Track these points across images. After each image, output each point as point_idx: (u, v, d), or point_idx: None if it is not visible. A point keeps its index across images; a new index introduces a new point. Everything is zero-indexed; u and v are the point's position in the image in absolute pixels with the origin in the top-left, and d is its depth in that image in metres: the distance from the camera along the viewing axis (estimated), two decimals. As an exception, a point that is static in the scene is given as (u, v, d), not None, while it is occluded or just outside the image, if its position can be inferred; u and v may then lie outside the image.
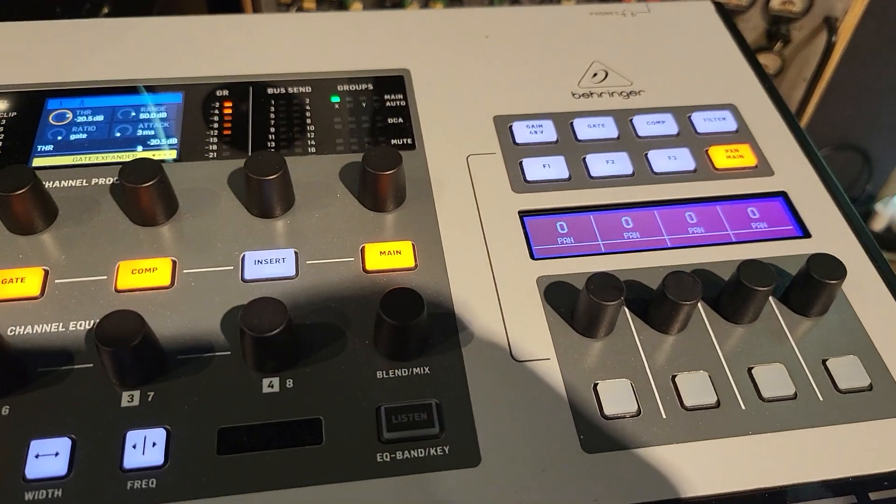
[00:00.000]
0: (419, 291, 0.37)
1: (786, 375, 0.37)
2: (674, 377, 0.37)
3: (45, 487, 0.32)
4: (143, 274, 0.38)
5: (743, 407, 0.36)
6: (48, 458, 0.32)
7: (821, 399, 0.37)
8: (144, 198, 0.39)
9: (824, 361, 0.38)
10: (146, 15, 0.88)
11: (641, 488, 0.34)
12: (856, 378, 0.38)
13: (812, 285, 0.38)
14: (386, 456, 0.34)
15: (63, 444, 0.33)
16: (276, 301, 0.35)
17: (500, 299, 0.39)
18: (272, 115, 0.47)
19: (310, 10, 1.04)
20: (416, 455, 0.34)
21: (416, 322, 0.35)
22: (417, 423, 0.34)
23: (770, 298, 0.40)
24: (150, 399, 0.35)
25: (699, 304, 0.40)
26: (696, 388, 0.37)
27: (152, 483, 0.32)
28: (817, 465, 0.35)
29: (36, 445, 0.33)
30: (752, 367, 0.38)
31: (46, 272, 0.39)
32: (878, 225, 1.91)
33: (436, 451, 0.34)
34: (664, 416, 0.36)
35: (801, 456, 0.35)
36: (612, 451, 0.35)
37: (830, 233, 0.44)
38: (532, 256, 0.41)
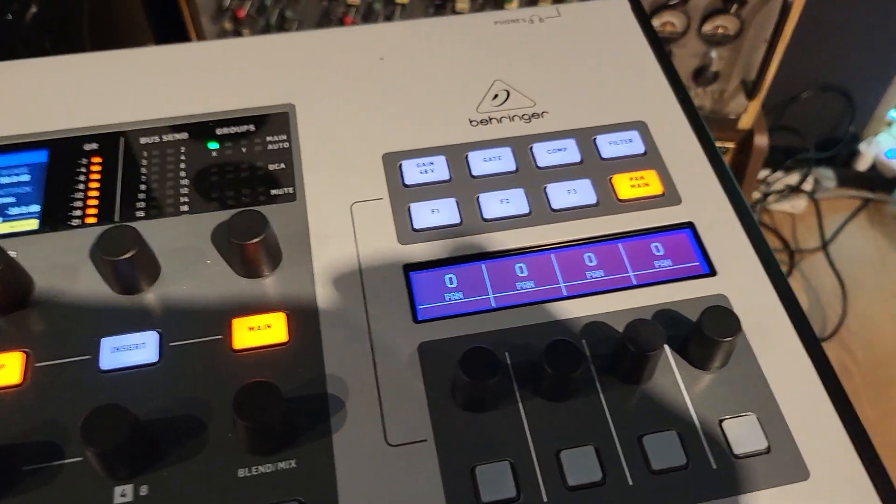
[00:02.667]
0: (289, 371, 0.34)
1: (677, 443, 0.35)
2: (558, 453, 0.35)
3: None
4: (-5, 371, 0.36)
5: (630, 482, 0.34)
6: None
7: (714, 467, 0.35)
8: (-11, 289, 0.37)
9: (720, 422, 0.36)
10: (76, 17, 0.84)
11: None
12: (753, 440, 0.35)
13: (705, 341, 0.36)
14: (244, 569, 0.32)
15: None
16: (115, 407, 0.32)
17: (377, 373, 0.37)
18: (143, 170, 0.44)
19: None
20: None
21: (271, 422, 0.32)
22: (279, 531, 0.32)
23: (668, 351, 0.38)
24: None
25: (591, 366, 0.37)
26: (580, 464, 0.34)
27: None
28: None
29: None
30: (643, 436, 0.35)
31: None
32: (863, 165, 1.88)
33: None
34: (545, 500, 0.34)
35: (690, 537, 0.33)
36: (487, 545, 0.33)
37: (739, 269, 0.41)
38: (416, 319, 0.39)
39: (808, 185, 1.89)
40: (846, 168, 1.91)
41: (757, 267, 0.41)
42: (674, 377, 0.37)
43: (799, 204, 1.92)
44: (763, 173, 1.88)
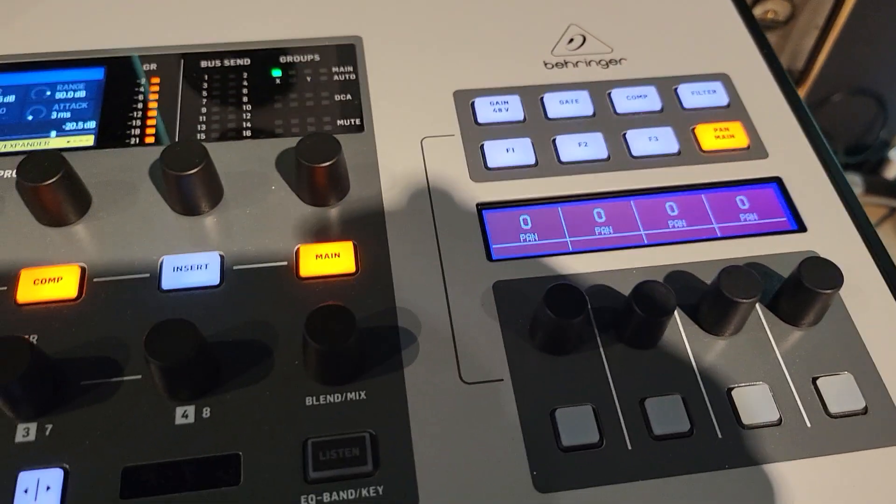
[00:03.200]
0: (358, 302, 0.32)
1: (769, 397, 0.33)
2: (642, 401, 0.33)
3: (-77, 540, 0.28)
4: (47, 284, 0.34)
5: (720, 435, 0.32)
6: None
7: (808, 425, 0.33)
8: (47, 197, 0.35)
9: (814, 380, 0.34)
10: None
11: (599, 532, 0.30)
12: (849, 400, 0.33)
13: (803, 294, 0.34)
14: (311, 499, 0.30)
15: (-55, 489, 0.29)
16: (184, 323, 0.30)
17: (450, 310, 0.35)
18: (204, 93, 0.42)
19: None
20: (345, 497, 0.30)
21: (345, 346, 0.30)
22: (348, 460, 0.30)
23: (757, 306, 0.36)
24: (47, 433, 0.31)
25: (679, 315, 0.35)
26: (666, 414, 0.32)
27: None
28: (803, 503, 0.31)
29: (-87, 491, 0.29)
30: (732, 388, 0.33)
31: (-62, 282, 0.34)
32: (892, 172, 1.85)
33: (368, 491, 0.30)
34: (630, 448, 0.32)
35: (785, 492, 0.31)
36: (568, 490, 0.31)
37: (829, 227, 0.39)
38: (490, 258, 0.37)
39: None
40: (874, 175, 1.88)
41: (848, 224, 0.39)
42: (765, 333, 0.35)
43: (824, 209, 1.88)
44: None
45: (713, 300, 0.34)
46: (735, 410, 0.33)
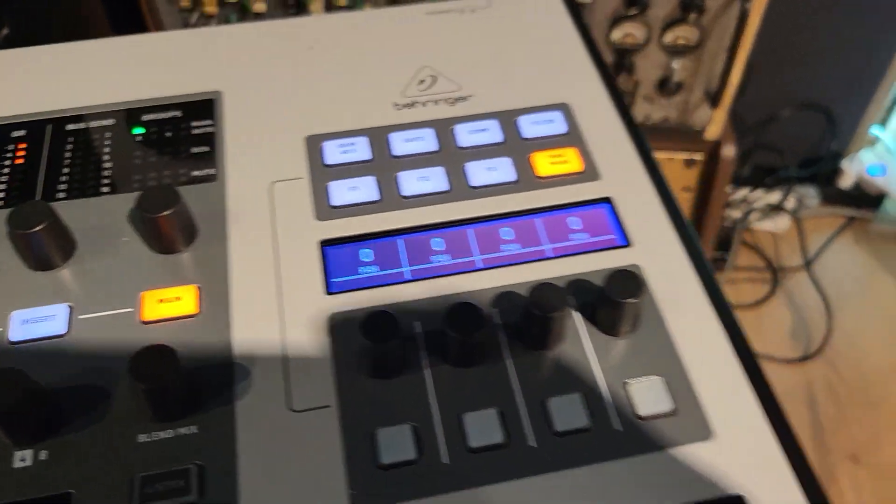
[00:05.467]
0: (196, 341, 0.35)
1: (579, 406, 0.35)
2: (460, 416, 0.35)
3: None
4: None
5: (533, 444, 0.34)
6: None
7: (619, 429, 0.34)
8: None
9: (625, 384, 0.36)
10: (48, 35, 0.85)
11: (410, 546, 0.31)
12: (657, 401, 0.35)
13: (610, 305, 0.36)
14: (137, 529, 0.32)
15: None
16: (12, 371, 0.32)
17: (285, 343, 0.37)
18: (68, 154, 0.44)
19: (211, 15, 1.01)
20: (166, 530, 0.32)
21: (167, 383, 0.32)
22: (174, 491, 0.32)
23: (580, 318, 0.38)
24: None
25: (500, 333, 0.37)
26: (482, 429, 0.34)
27: None
28: (606, 496, 0.33)
29: None
30: (547, 399, 0.35)
31: None
32: (846, 182, 1.88)
33: (188, 524, 0.32)
34: (447, 462, 0.34)
35: (595, 493, 0.33)
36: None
37: (655, 241, 0.41)
38: (328, 291, 0.39)
39: (790, 204, 1.89)
40: (829, 186, 1.92)
41: (673, 239, 0.41)
42: (583, 344, 0.37)
43: (782, 223, 1.92)
44: (743, 192, 1.88)
45: (527, 317, 0.36)
46: (549, 418, 0.35)
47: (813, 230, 1.92)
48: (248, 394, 0.35)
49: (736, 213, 1.86)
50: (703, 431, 0.34)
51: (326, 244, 0.41)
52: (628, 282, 0.36)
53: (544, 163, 0.44)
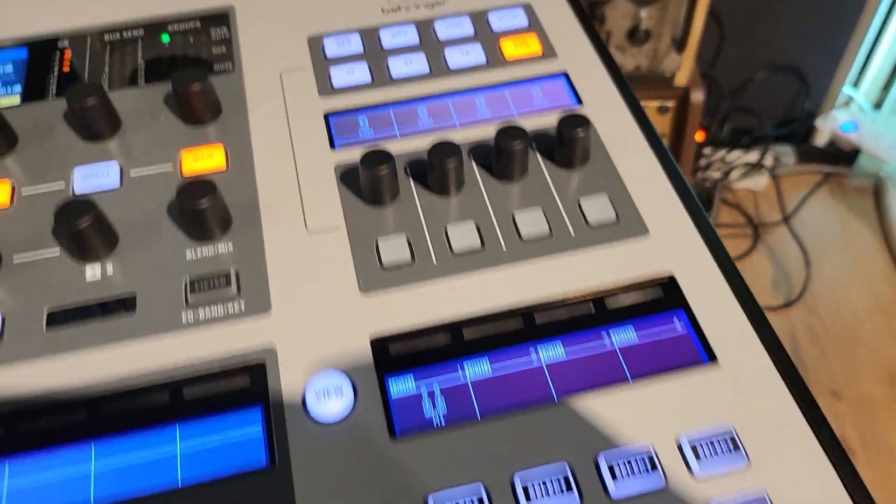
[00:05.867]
0: (227, 186, 0.43)
1: (542, 217, 0.43)
2: (446, 229, 0.43)
3: None
4: (-18, 197, 0.44)
5: (504, 248, 0.42)
6: None
7: (572, 234, 0.43)
8: (-20, 132, 0.45)
9: (578, 202, 0.44)
10: None
11: (411, 314, 0.39)
12: (604, 212, 0.43)
13: (563, 140, 0.44)
14: (190, 315, 0.40)
15: (-88, 335, 0.39)
16: (85, 202, 0.40)
17: (300, 185, 0.45)
18: (107, 56, 0.53)
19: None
20: (216, 313, 0.40)
21: (207, 202, 0.41)
22: (217, 287, 0.40)
23: (540, 158, 0.46)
24: (-12, 294, 0.41)
25: (475, 168, 0.46)
26: (463, 235, 0.42)
27: (-10, 356, 0.38)
28: (564, 281, 0.41)
29: None
30: (515, 214, 0.43)
31: None
32: (821, 140, 1.96)
33: (233, 306, 0.40)
34: (434, 261, 0.42)
35: (550, 277, 0.41)
36: (387, 291, 0.40)
37: (602, 101, 0.49)
38: (333, 147, 0.47)
39: (768, 163, 1.96)
40: (804, 144, 1.99)
41: (616, 97, 0.50)
42: (545, 175, 0.45)
43: (760, 181, 1.99)
44: (722, 153, 1.95)
45: (498, 153, 0.44)
46: (517, 229, 0.43)
47: (790, 187, 2.00)
48: (272, 222, 0.43)
49: (716, 174, 1.94)
50: (640, 230, 0.43)
51: (330, 114, 0.49)
52: (577, 119, 0.44)
53: (510, 47, 0.52)
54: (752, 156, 1.97)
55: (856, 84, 1.91)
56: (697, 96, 1.23)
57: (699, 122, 1.28)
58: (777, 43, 1.78)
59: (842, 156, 1.98)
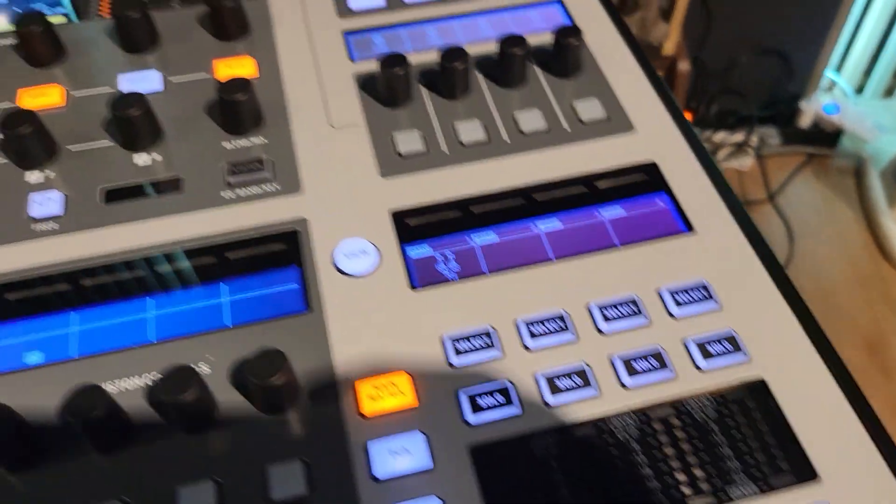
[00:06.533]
0: (256, 89, 0.48)
1: (540, 116, 0.49)
2: (453, 125, 0.48)
3: (-27, 234, 0.43)
4: (40, 97, 0.49)
5: (508, 140, 0.48)
6: (-27, 215, 0.43)
7: (567, 129, 0.48)
8: (37, 46, 0.50)
9: (572, 104, 0.49)
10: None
11: (426, 194, 0.45)
12: (595, 112, 0.49)
13: (558, 49, 0.50)
14: (231, 193, 0.45)
15: (-16, 207, 0.44)
16: (136, 94, 0.45)
17: (323, 89, 0.50)
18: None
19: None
20: (253, 192, 0.45)
21: (244, 95, 0.46)
22: (253, 170, 0.46)
23: (537, 69, 0.52)
24: (50, 176, 0.46)
25: (480, 78, 0.51)
26: (470, 130, 0.48)
27: (55, 226, 0.43)
28: (561, 168, 0.46)
29: (-37, 208, 0.44)
30: (516, 114, 0.49)
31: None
32: (804, 122, 2.02)
33: (268, 186, 0.45)
34: (445, 151, 0.47)
35: (548, 164, 0.46)
36: (404, 175, 0.46)
37: (592, 18, 0.55)
38: (352, 60, 0.52)
39: (753, 144, 2.02)
40: (789, 126, 2.05)
41: (606, 19, 0.55)
42: (542, 84, 0.51)
43: (746, 162, 2.05)
44: (709, 133, 2.01)
45: (500, 59, 0.50)
46: (518, 125, 0.48)
47: (775, 167, 2.05)
48: (298, 118, 0.49)
49: (702, 153, 1.99)
50: (626, 127, 0.48)
51: (347, 32, 0.54)
52: (571, 29, 0.50)
53: (510, -22, 0.58)
54: (738, 136, 2.03)
55: (838, 69, 1.97)
56: (684, 66, 1.29)
57: (686, 91, 1.33)
58: (763, 27, 1.83)
59: (825, 137, 2.03)
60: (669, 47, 1.28)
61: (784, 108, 2.02)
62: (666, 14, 1.22)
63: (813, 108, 2.01)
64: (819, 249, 1.87)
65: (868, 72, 1.95)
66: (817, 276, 1.81)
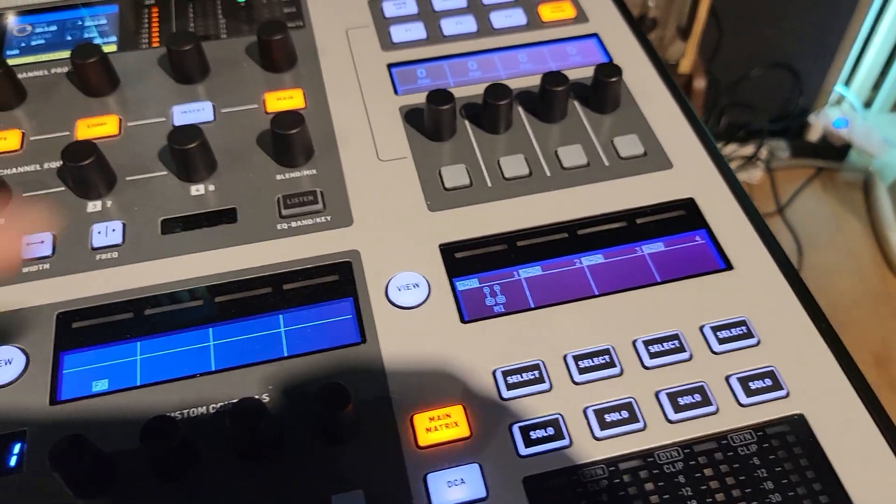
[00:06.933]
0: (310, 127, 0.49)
1: (581, 151, 0.50)
2: (498, 160, 0.50)
3: (36, 264, 0.44)
4: (96, 127, 0.51)
5: (549, 174, 0.49)
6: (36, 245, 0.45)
7: (607, 165, 0.50)
8: (93, 77, 0.52)
9: (612, 140, 0.51)
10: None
11: (472, 228, 0.46)
12: (634, 148, 0.50)
13: (598, 86, 0.51)
14: (284, 225, 0.46)
15: (47, 237, 0.45)
16: (194, 127, 0.47)
17: (370, 122, 0.52)
18: (191, 13, 0.59)
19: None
20: (306, 224, 0.47)
21: (298, 129, 0.47)
22: (306, 203, 0.47)
23: (577, 104, 0.53)
24: (108, 205, 0.47)
25: (521, 113, 0.53)
26: (513, 165, 0.49)
27: (116, 256, 0.45)
28: (602, 203, 0.48)
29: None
30: (557, 149, 0.50)
31: (24, 133, 0.51)
32: (813, 135, 2.04)
33: (320, 218, 0.47)
34: (489, 185, 0.49)
35: (590, 199, 0.48)
36: (451, 209, 0.47)
37: (628, 54, 0.57)
38: (396, 93, 0.54)
39: (763, 157, 2.03)
40: (798, 139, 2.06)
41: (641, 55, 0.57)
42: (581, 119, 0.52)
43: (756, 174, 2.06)
44: (719, 146, 2.02)
45: (543, 96, 0.51)
46: (560, 160, 0.50)
47: (784, 180, 2.07)
48: (348, 151, 0.50)
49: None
50: (664, 163, 0.50)
51: (392, 65, 0.56)
52: (611, 68, 0.51)
53: (547, 11, 0.60)
54: (748, 149, 2.04)
55: (847, 83, 1.99)
56: (700, 83, 1.31)
57: (701, 108, 1.35)
58: (773, 42, 1.85)
59: (833, 151, 2.05)
60: (686, 65, 1.29)
61: (794, 122, 2.03)
62: (683, 33, 1.23)
63: (822, 122, 2.03)
64: (827, 263, 1.89)
65: (876, 86, 1.97)
66: (825, 290, 1.83)
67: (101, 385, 0.40)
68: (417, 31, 0.58)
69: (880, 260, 1.92)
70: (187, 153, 0.47)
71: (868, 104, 2.00)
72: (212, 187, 0.48)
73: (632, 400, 0.39)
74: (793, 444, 0.38)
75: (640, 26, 0.59)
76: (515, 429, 0.38)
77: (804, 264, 1.85)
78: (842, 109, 2.04)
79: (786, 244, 1.90)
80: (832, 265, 1.89)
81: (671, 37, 1.25)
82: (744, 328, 0.42)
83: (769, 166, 2.07)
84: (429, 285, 0.44)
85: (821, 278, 1.85)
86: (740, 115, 2.00)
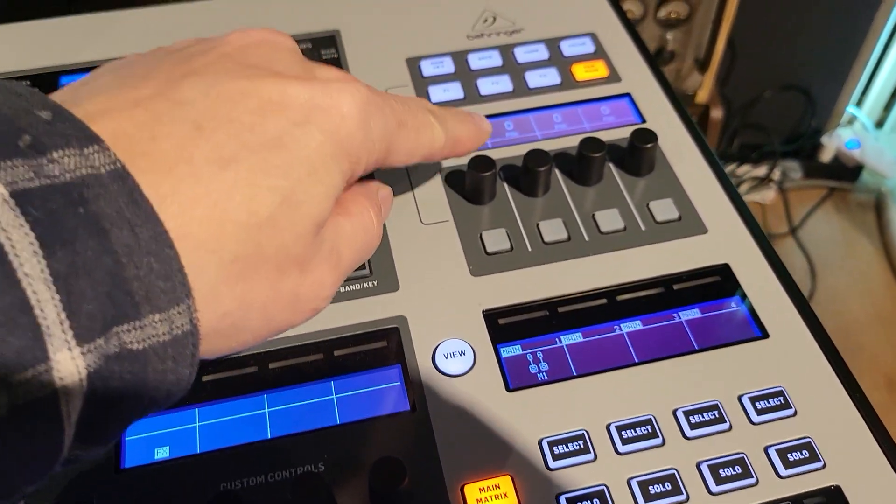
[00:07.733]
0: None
1: (618, 216, 0.52)
2: (537, 224, 0.51)
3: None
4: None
5: (587, 239, 0.51)
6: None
7: (643, 229, 0.51)
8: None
9: (647, 204, 0.53)
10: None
11: (514, 294, 0.48)
12: (669, 213, 0.52)
13: (633, 150, 0.53)
14: (332, 290, 0.48)
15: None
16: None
17: (412, 184, 0.54)
18: (234, 73, 0.61)
19: None
20: (354, 289, 0.48)
21: (346, 197, 0.49)
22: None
23: (612, 167, 0.55)
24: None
25: (558, 175, 0.54)
26: (553, 229, 0.51)
27: (170, 321, 0.47)
28: (639, 268, 0.49)
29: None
30: (595, 213, 0.52)
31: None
32: (826, 156, 2.05)
33: (368, 283, 0.48)
34: (529, 250, 0.50)
35: (627, 264, 0.49)
36: (492, 274, 0.49)
37: (660, 115, 0.58)
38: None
39: (775, 177, 2.05)
40: (810, 160, 2.08)
41: (673, 115, 0.58)
42: (617, 181, 0.54)
43: (768, 194, 2.08)
44: (732, 167, 2.04)
45: (580, 161, 0.53)
46: (597, 225, 0.51)
47: (797, 200, 2.08)
48: (392, 214, 0.52)
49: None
50: (699, 228, 0.51)
51: (431, 126, 0.57)
52: (647, 133, 0.53)
53: (581, 71, 0.61)
54: (761, 170, 2.06)
55: (859, 104, 2.00)
56: (717, 113, 1.32)
57: (718, 137, 1.37)
58: (786, 64, 1.87)
59: (846, 172, 2.06)
60: (703, 96, 1.31)
61: (806, 143, 2.05)
62: (701, 64, 1.25)
63: (834, 143, 2.04)
64: (840, 284, 1.90)
65: (888, 106, 1.98)
66: (838, 313, 1.84)
67: (162, 453, 0.42)
68: (455, 90, 0.60)
69: (892, 281, 1.93)
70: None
71: (880, 124, 2.01)
72: (261, 251, 0.50)
73: (674, 471, 0.41)
74: (831, 516, 0.39)
75: (669, 85, 0.60)
76: (563, 500, 0.40)
77: (817, 285, 1.86)
78: (854, 130, 2.05)
79: (798, 265, 1.92)
80: (844, 286, 1.90)
81: (688, 68, 1.27)
82: (781, 398, 0.43)
83: (782, 187, 2.08)
84: (474, 353, 0.45)
85: (833, 299, 1.86)
86: (753, 137, 2.02)
